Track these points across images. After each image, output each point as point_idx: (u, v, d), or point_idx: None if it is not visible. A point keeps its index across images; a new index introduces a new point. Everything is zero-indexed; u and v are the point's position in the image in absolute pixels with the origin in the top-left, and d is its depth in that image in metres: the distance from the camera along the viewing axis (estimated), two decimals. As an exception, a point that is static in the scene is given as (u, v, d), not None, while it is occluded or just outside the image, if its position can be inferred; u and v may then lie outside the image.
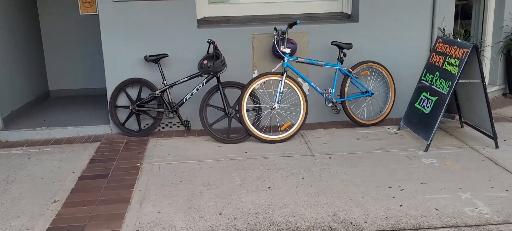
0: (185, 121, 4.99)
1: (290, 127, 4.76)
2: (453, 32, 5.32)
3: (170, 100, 4.90)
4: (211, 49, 4.69)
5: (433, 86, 4.55)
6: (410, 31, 5.22)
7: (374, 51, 5.22)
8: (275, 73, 4.67)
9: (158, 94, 4.87)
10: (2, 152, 4.58)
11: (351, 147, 4.49)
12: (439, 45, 4.69)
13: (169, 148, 4.60)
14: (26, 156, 4.43)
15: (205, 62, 4.58)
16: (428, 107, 4.52)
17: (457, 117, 5.05)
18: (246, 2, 5.31)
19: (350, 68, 5.00)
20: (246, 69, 5.11)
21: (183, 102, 4.88)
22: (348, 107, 5.07)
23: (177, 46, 4.98)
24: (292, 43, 4.93)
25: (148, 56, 4.84)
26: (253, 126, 4.70)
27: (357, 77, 5.03)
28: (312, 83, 4.88)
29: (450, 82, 4.28)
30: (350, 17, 5.37)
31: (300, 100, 4.73)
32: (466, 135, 4.75)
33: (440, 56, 4.60)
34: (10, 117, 5.29)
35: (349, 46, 4.93)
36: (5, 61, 5.29)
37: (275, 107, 4.70)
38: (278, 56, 4.88)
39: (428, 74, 4.72)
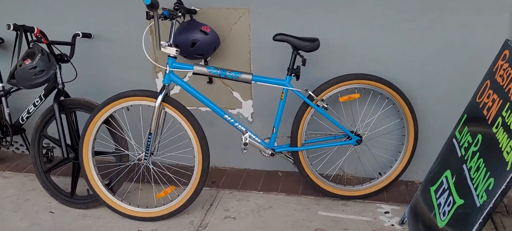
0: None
1: (173, 195, 2.55)
2: None
3: (5, 116, 2.98)
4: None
5: (465, 166, 1.91)
6: (462, 13, 2.46)
7: (374, 54, 2.61)
8: (146, 93, 2.43)
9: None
10: None
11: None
12: (503, 64, 1.95)
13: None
14: None
15: (27, 62, 2.49)
16: (444, 216, 1.92)
17: None
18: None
19: (314, 91, 2.51)
20: (143, 71, 2.92)
21: (21, 124, 2.92)
22: (305, 163, 2.64)
23: (34, 21, 2.97)
24: (203, 32, 2.57)
25: (-24, 40, 2.94)
26: (108, 186, 2.59)
27: (327, 108, 2.52)
28: (227, 115, 2.51)
29: (495, 183, 1.63)
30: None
31: (193, 147, 2.45)
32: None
33: (497, 95, 1.89)
34: None
35: (312, 44, 2.41)
36: None
37: (142, 160, 2.50)
38: (189, 54, 2.60)
39: (466, 128, 2.06)
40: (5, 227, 2.51)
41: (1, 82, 2.97)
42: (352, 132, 2.60)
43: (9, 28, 2.40)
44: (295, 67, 2.46)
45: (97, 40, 2.90)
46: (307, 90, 2.49)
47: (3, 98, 2.95)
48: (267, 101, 2.84)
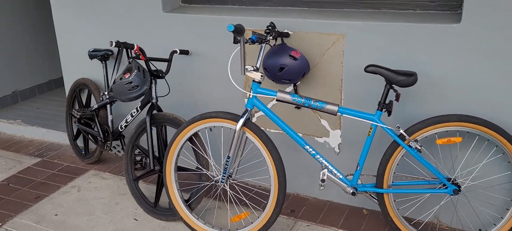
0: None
1: (247, 221, 2.50)
2: None
3: (108, 122, 3.22)
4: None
5: None
6: None
7: (483, 93, 2.28)
8: (228, 116, 2.42)
9: (92, 111, 3.25)
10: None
11: None
12: None
13: (73, 204, 2.99)
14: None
15: (126, 76, 2.66)
16: None
17: None
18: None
19: (407, 129, 2.27)
20: (234, 92, 2.94)
21: (120, 131, 3.12)
22: (390, 206, 2.40)
23: (134, 38, 3.18)
24: (292, 57, 2.50)
25: (91, 51, 3.22)
26: (187, 202, 2.64)
27: (420, 150, 2.26)
28: (308, 146, 2.39)
29: None
30: (448, 10, 2.48)
31: (270, 176, 2.38)
32: None
33: None
34: (9, 97, 4.56)
35: (407, 79, 2.19)
36: (24, 42, 4.53)
37: (219, 182, 2.49)
38: (276, 78, 2.55)
39: None
40: (93, 228, 2.69)
41: (107, 89, 3.22)
42: (449, 179, 2.29)
43: (111, 44, 2.58)
44: (387, 102, 2.25)
45: (192, 56, 2.99)
46: (399, 128, 2.26)
47: (108, 106, 3.19)
48: (357, 133, 2.66)
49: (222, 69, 2.90)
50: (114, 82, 2.56)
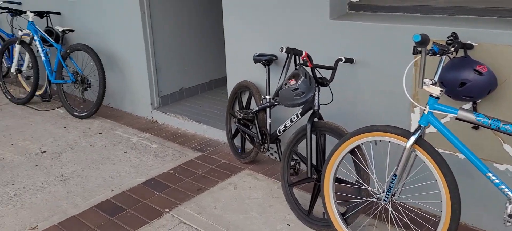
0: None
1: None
2: None
3: (266, 125, 3.28)
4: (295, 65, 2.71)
5: None
6: None
7: None
8: (397, 131, 2.24)
9: (253, 113, 3.35)
10: (117, 132, 4.36)
11: None
12: None
13: (229, 200, 3.12)
14: (125, 146, 4.04)
15: (292, 82, 2.67)
16: None
17: None
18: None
19: None
20: (398, 104, 2.76)
21: (278, 135, 3.16)
22: None
23: (299, 44, 3.20)
24: (477, 71, 2.22)
25: (256, 55, 3.34)
26: (343, 216, 2.53)
27: None
28: (491, 174, 2.08)
29: None
30: None
31: (442, 201, 2.14)
32: None
33: None
34: (177, 93, 5.03)
35: None
36: (191, 44, 4.99)
37: (382, 200, 2.32)
38: (454, 94, 2.32)
39: None
40: (249, 227, 2.77)
41: (269, 94, 3.30)
42: None
43: (282, 51, 2.62)
44: None
45: (356, 65, 2.88)
46: None
47: (268, 109, 3.27)
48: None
49: (389, 80, 2.73)
50: (281, 88, 2.59)
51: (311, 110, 2.73)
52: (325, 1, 2.93)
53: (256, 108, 3.33)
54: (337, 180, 2.59)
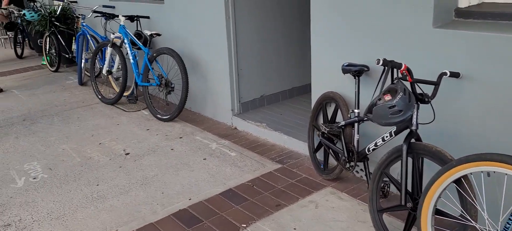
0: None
1: None
2: None
3: (353, 142, 3.01)
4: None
5: None
6: None
7: None
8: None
9: (339, 127, 3.10)
10: (197, 137, 4.31)
11: None
12: None
13: (310, 221, 2.90)
14: (204, 152, 3.98)
15: (387, 98, 2.39)
16: None
17: None
18: None
19: None
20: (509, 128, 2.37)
21: (366, 154, 2.87)
22: None
23: (395, 55, 2.89)
24: None
25: (345, 65, 3.09)
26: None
27: None
28: None
29: None
30: None
31: None
32: None
33: None
34: (258, 100, 4.91)
35: None
36: (274, 49, 4.86)
37: (494, 241, 1.97)
38: None
39: None
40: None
41: (358, 108, 3.03)
42: None
43: (378, 63, 2.35)
44: None
45: (462, 80, 2.52)
46: None
47: (356, 124, 3.00)
48: None
49: (503, 100, 2.35)
50: (375, 104, 2.33)
51: (408, 130, 2.43)
52: (429, 6, 2.61)
53: (343, 123, 3.08)
54: (437, 212, 2.26)
